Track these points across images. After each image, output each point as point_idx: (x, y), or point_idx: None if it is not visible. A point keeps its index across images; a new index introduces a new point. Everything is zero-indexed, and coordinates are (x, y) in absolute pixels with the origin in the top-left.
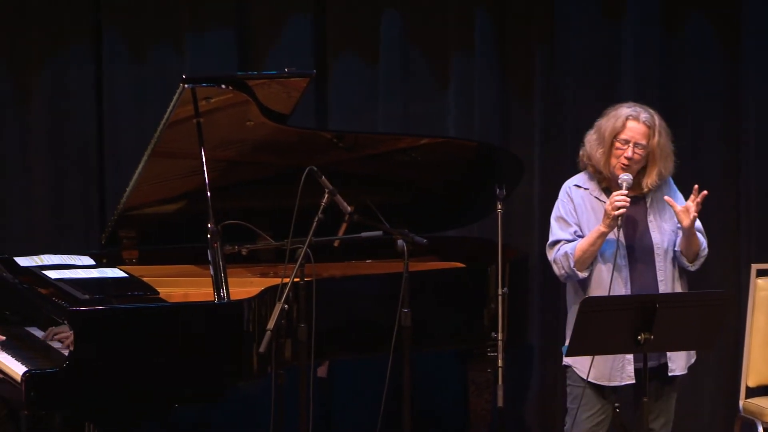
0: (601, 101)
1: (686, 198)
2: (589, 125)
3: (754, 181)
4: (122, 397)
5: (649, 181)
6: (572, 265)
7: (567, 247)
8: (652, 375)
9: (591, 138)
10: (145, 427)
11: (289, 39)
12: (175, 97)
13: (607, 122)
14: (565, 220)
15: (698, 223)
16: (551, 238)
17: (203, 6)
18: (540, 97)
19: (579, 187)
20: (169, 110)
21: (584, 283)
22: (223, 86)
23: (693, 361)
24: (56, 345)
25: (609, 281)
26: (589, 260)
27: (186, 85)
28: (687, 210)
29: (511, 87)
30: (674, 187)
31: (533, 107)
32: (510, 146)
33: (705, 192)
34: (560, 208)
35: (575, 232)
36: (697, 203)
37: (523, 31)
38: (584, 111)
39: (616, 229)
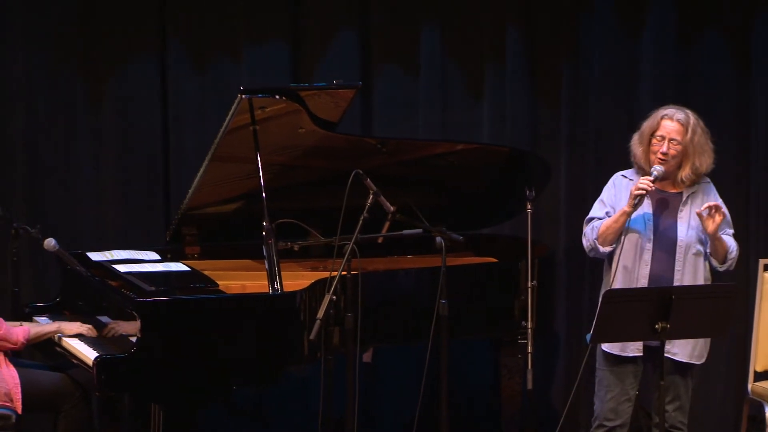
0: (622, 110)
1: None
2: (611, 132)
3: (762, 184)
4: (185, 381)
5: (684, 174)
6: (595, 237)
7: (596, 223)
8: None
9: (635, 138)
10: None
11: (337, 52)
12: (233, 107)
13: (647, 122)
14: (603, 202)
15: (730, 231)
16: (588, 216)
17: (259, 21)
18: (566, 106)
19: (625, 177)
20: (228, 118)
21: (614, 259)
22: (278, 97)
23: (703, 360)
24: (127, 334)
25: (632, 260)
26: (610, 237)
27: (243, 96)
28: (712, 219)
29: (540, 97)
30: (714, 191)
31: (560, 115)
32: (538, 151)
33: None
34: (604, 192)
35: (608, 213)
36: (716, 214)
37: (551, 46)
38: (606, 119)
39: (649, 224)
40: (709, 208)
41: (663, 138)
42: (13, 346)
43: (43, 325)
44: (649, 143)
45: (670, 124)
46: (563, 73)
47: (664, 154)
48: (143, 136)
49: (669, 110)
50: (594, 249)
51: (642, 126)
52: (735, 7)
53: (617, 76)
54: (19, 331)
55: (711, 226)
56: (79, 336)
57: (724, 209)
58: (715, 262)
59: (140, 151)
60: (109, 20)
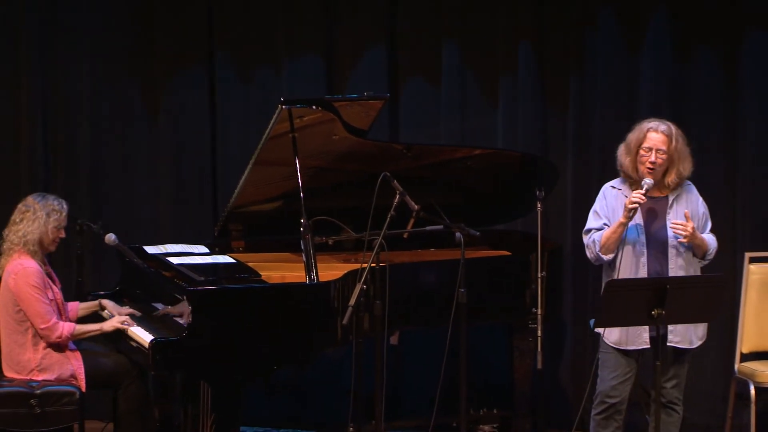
0: (623, 119)
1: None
2: (613, 139)
3: (748, 185)
4: (231, 361)
5: (670, 179)
6: (598, 250)
7: (596, 235)
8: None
9: (621, 150)
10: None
11: (367, 66)
12: (274, 116)
13: (632, 135)
14: (597, 214)
15: (709, 225)
16: (586, 227)
17: (297, 38)
18: (572, 115)
19: (614, 188)
20: (269, 126)
21: (614, 265)
22: (314, 107)
23: (700, 342)
24: (177, 319)
25: (630, 264)
26: (611, 246)
27: (284, 106)
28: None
29: (549, 107)
30: (695, 191)
31: (567, 123)
32: (548, 156)
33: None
34: (597, 203)
35: (604, 223)
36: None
37: (559, 61)
38: (609, 127)
39: (641, 230)
40: (677, 225)
41: (650, 149)
42: (57, 339)
43: (88, 325)
44: (637, 154)
45: (656, 136)
46: (570, 85)
47: (652, 163)
48: (194, 141)
49: (653, 123)
50: (598, 259)
51: (628, 138)
52: (725, 27)
53: (619, 87)
54: (65, 327)
55: (689, 238)
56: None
57: (704, 207)
58: (697, 258)
59: (191, 155)
60: (164, 37)
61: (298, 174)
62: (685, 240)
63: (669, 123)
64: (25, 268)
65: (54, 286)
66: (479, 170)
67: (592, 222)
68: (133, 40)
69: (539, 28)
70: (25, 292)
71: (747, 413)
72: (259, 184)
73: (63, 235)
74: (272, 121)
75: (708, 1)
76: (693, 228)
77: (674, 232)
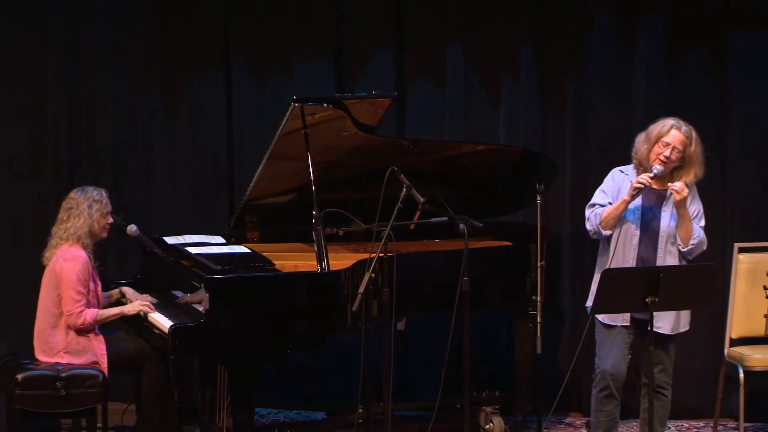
0: (619, 118)
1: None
2: (609, 137)
3: (737, 180)
4: (246, 346)
5: (687, 179)
6: (598, 222)
7: (599, 210)
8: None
9: (640, 138)
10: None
11: (375, 68)
12: (287, 113)
13: (655, 127)
14: (604, 192)
15: (702, 223)
16: (591, 202)
17: (308, 43)
18: (571, 114)
19: (622, 172)
20: (282, 123)
21: (608, 245)
22: (325, 105)
23: (684, 330)
24: (196, 306)
25: (623, 245)
26: (611, 222)
27: (296, 104)
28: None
29: (549, 106)
30: (694, 189)
31: (565, 122)
32: (547, 152)
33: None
34: (604, 183)
35: (609, 202)
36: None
37: (558, 63)
38: (605, 125)
39: (637, 214)
40: (674, 185)
41: (668, 144)
42: (81, 325)
43: (110, 309)
44: (655, 144)
45: (677, 134)
46: (568, 86)
47: (666, 157)
48: (211, 140)
49: (676, 122)
50: (597, 232)
51: (649, 129)
52: (715, 31)
53: (614, 88)
54: (89, 313)
55: (677, 196)
56: (158, 310)
57: (699, 205)
58: (679, 241)
59: (208, 152)
60: (182, 42)
61: (310, 168)
62: (678, 197)
63: (691, 127)
64: (75, 256)
65: (96, 278)
66: (482, 165)
67: (597, 198)
68: (153, 44)
69: (539, 32)
70: (67, 276)
71: (736, 396)
72: (273, 178)
73: (110, 220)
74: (285, 118)
75: (699, 6)
76: (687, 194)
77: (670, 190)
